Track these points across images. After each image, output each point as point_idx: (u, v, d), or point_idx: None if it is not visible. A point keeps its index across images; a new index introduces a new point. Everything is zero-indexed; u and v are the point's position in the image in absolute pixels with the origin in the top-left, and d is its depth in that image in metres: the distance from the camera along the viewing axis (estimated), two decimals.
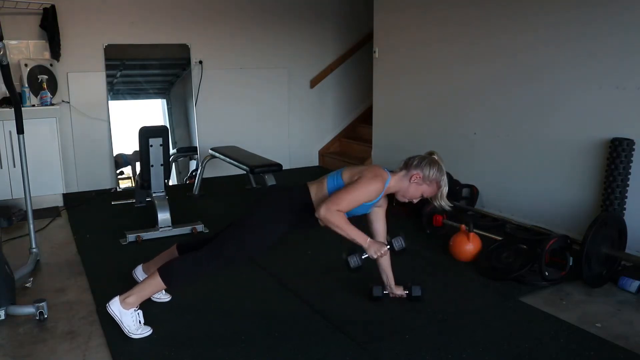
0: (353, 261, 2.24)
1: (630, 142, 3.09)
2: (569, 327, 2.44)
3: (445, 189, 2.40)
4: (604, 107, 3.27)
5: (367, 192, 2.29)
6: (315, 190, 2.39)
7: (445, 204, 2.42)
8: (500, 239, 3.31)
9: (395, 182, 2.39)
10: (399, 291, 2.63)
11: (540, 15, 3.57)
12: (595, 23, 3.26)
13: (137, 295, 2.32)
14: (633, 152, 3.11)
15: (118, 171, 5.00)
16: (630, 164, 3.13)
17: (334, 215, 2.20)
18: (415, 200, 2.44)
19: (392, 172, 2.43)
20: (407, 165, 2.41)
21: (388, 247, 2.27)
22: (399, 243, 2.27)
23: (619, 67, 3.16)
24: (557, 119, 3.55)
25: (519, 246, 3.15)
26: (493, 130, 4.03)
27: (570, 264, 2.89)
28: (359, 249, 2.28)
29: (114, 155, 5.02)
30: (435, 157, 2.42)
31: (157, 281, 2.31)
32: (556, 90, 3.53)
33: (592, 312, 2.60)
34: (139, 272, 2.75)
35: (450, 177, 4.21)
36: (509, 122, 3.88)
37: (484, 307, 2.65)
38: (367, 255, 2.27)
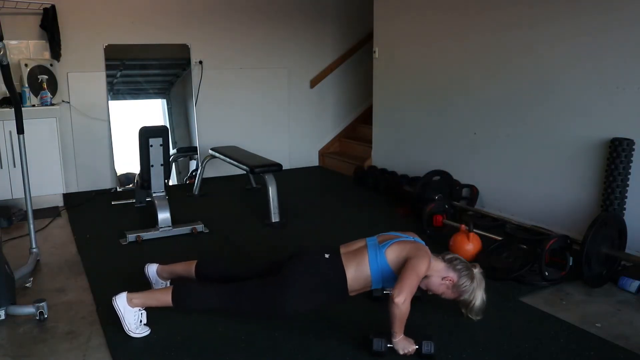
0: (377, 344, 2.15)
1: (630, 142, 3.10)
2: (569, 327, 2.44)
3: (477, 304, 2.33)
4: (604, 107, 3.27)
5: (424, 271, 2.24)
6: (353, 272, 2.29)
7: (472, 316, 2.36)
8: (500, 239, 3.31)
9: (431, 269, 2.30)
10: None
11: (541, 16, 3.57)
12: (595, 23, 3.26)
13: (143, 300, 2.33)
14: (633, 152, 3.12)
15: (121, 189, 4.99)
16: (630, 164, 3.13)
17: (407, 306, 2.13)
18: (430, 293, 2.39)
19: (434, 256, 2.37)
20: (451, 262, 2.35)
21: (417, 347, 2.17)
22: (427, 347, 2.15)
23: (619, 67, 3.16)
24: (557, 119, 3.55)
25: (519, 246, 3.16)
26: (493, 130, 4.03)
27: (570, 264, 2.89)
28: (387, 334, 2.19)
29: (118, 175, 5.02)
30: (478, 274, 2.35)
31: (167, 299, 2.32)
32: (556, 90, 3.53)
33: (592, 312, 2.60)
34: (152, 272, 2.71)
35: (450, 177, 4.22)
36: (509, 122, 3.88)
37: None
38: (392, 346, 2.18)
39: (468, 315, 2.37)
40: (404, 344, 2.16)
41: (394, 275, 2.26)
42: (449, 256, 2.38)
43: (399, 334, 2.16)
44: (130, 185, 5.01)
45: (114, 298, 2.32)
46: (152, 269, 2.72)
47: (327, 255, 2.35)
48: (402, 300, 2.10)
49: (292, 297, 2.27)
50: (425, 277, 2.31)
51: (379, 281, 2.31)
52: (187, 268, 2.63)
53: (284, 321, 2.47)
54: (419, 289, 2.34)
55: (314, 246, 2.54)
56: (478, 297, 2.33)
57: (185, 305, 2.37)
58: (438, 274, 2.33)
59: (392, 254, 2.29)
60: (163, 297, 2.34)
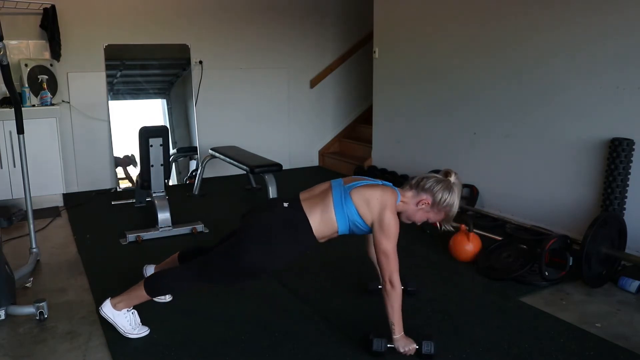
0: (377, 344, 2.13)
1: (630, 142, 3.10)
2: (569, 327, 2.44)
3: (453, 212, 2.19)
4: (604, 107, 3.27)
5: (396, 225, 2.11)
6: (318, 218, 2.14)
7: (449, 225, 2.25)
8: (500, 239, 3.31)
9: (402, 204, 2.18)
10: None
11: (541, 16, 3.57)
12: (595, 23, 3.26)
13: (126, 302, 2.31)
14: (633, 152, 3.12)
15: (121, 189, 4.99)
16: (630, 164, 3.13)
17: (398, 291, 2.09)
18: (418, 223, 2.26)
19: (401, 189, 2.24)
20: (418, 186, 2.18)
21: (417, 346, 2.15)
22: (427, 347, 2.12)
23: (619, 67, 3.16)
24: (557, 119, 3.55)
25: (519, 246, 3.16)
26: (493, 130, 4.03)
27: (570, 264, 2.89)
28: (387, 335, 2.15)
29: (119, 157, 5.03)
30: (453, 179, 2.17)
31: (143, 294, 2.28)
32: (556, 90, 3.53)
33: (592, 312, 2.60)
34: (150, 272, 2.71)
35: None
36: (509, 122, 3.88)
37: (484, 307, 2.64)
38: (392, 346, 2.16)
39: (445, 226, 2.25)
40: (404, 343, 2.15)
41: (363, 224, 2.14)
42: (414, 180, 2.21)
43: (398, 330, 2.14)
44: (131, 185, 5.01)
45: (100, 308, 2.32)
46: (149, 270, 2.73)
47: (285, 204, 2.21)
48: (393, 282, 2.07)
49: (257, 253, 2.12)
50: (402, 212, 2.20)
51: (346, 228, 2.17)
52: (172, 258, 2.62)
53: (283, 321, 2.48)
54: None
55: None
56: (457, 204, 2.17)
57: (158, 290, 2.32)
58: (411, 201, 2.18)
59: (359, 199, 2.13)
60: (139, 292, 2.29)
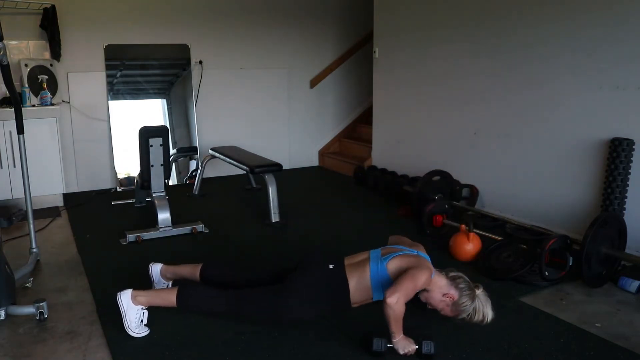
0: (377, 345, 2.15)
1: (630, 142, 3.10)
2: (569, 327, 2.44)
3: (488, 321, 2.31)
4: (604, 107, 3.27)
5: (422, 282, 2.24)
6: (355, 284, 2.33)
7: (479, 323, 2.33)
8: (500, 239, 3.31)
9: (432, 284, 2.32)
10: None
11: (541, 15, 3.57)
12: (595, 23, 3.26)
13: (148, 299, 2.35)
14: (633, 152, 3.12)
15: (121, 189, 4.99)
16: (630, 164, 3.13)
17: (401, 307, 2.14)
18: (429, 306, 2.39)
19: (437, 271, 2.37)
20: (454, 280, 2.34)
21: (416, 347, 2.17)
22: (427, 347, 2.15)
23: (619, 67, 3.16)
24: (557, 119, 3.55)
25: (519, 246, 3.15)
26: (493, 130, 4.03)
27: (570, 264, 2.89)
28: (387, 335, 2.19)
29: (119, 179, 5.04)
30: (481, 294, 2.33)
31: (172, 300, 2.35)
32: (556, 90, 3.53)
33: (592, 312, 2.60)
34: (156, 271, 2.71)
35: (450, 177, 4.22)
36: (509, 122, 3.88)
37: None
38: (392, 346, 2.18)
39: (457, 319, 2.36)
40: (404, 344, 2.17)
41: (386, 274, 2.30)
42: (452, 274, 2.37)
43: (398, 334, 2.17)
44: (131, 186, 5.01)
45: (118, 294, 2.33)
46: (156, 268, 2.72)
47: (331, 266, 2.40)
48: (394, 301, 2.10)
49: (294, 306, 2.33)
50: (426, 291, 2.33)
51: (380, 293, 2.30)
52: (192, 271, 2.63)
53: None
54: (419, 300, 2.35)
55: (315, 249, 2.54)
56: (489, 313, 2.31)
57: (189, 306, 2.39)
58: (440, 290, 2.33)
59: (393, 266, 2.31)
60: (168, 297, 2.36)
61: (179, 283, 2.56)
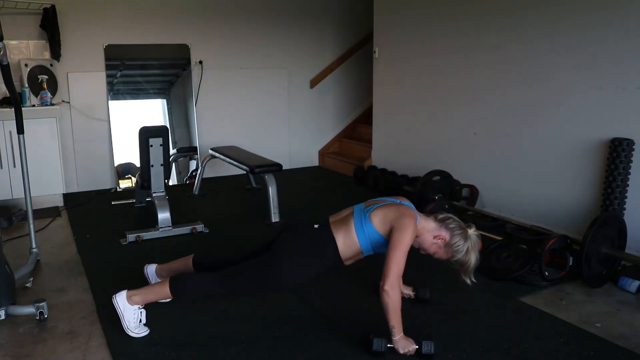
0: (377, 344, 2.14)
1: (630, 142, 3.10)
2: (569, 327, 2.44)
3: (471, 265, 2.27)
4: (604, 107, 3.27)
5: (408, 239, 2.19)
6: (342, 239, 2.29)
7: (466, 278, 2.31)
8: (500, 239, 3.31)
9: (421, 229, 2.29)
10: (407, 291, 2.55)
11: (541, 16, 3.57)
12: (595, 23, 3.26)
13: (143, 297, 2.34)
14: (633, 152, 3.12)
15: (120, 189, 5.00)
16: (630, 164, 3.13)
17: (396, 293, 2.12)
18: (427, 253, 2.36)
19: (423, 216, 2.34)
20: (443, 222, 2.30)
21: (417, 347, 2.16)
22: (427, 347, 2.15)
23: (619, 67, 3.16)
24: (557, 119, 3.55)
25: (519, 246, 3.15)
26: (493, 130, 4.03)
27: (570, 264, 2.89)
28: (387, 335, 2.16)
29: (115, 165, 5.03)
30: (473, 234, 2.28)
31: (166, 291, 2.32)
32: (556, 90, 3.53)
33: (592, 312, 2.60)
34: (151, 272, 2.73)
35: (450, 177, 4.22)
36: (509, 122, 3.89)
37: (484, 307, 2.65)
38: (392, 346, 2.17)
39: (463, 277, 2.32)
40: (404, 343, 2.16)
41: (384, 240, 2.25)
42: (442, 215, 2.33)
43: (398, 331, 2.15)
44: (130, 183, 5.01)
45: (114, 296, 2.32)
46: (151, 269, 2.74)
47: (316, 226, 2.36)
48: (390, 287, 2.10)
49: (286, 269, 2.27)
50: (417, 236, 2.28)
51: (369, 248, 2.30)
52: (185, 263, 2.64)
53: (283, 321, 2.48)
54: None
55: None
56: (472, 258, 2.27)
57: (184, 293, 2.34)
58: (430, 232, 2.29)
59: (377, 218, 2.27)
60: (162, 289, 2.34)
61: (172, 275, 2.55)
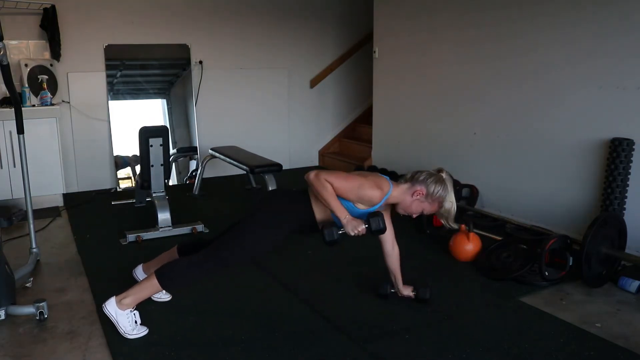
0: (328, 234, 2.22)
1: (630, 142, 3.10)
2: (569, 327, 2.44)
3: (452, 209, 2.34)
4: (604, 107, 3.27)
5: (360, 193, 2.26)
6: (315, 200, 2.33)
7: (452, 224, 2.37)
8: (500, 239, 3.31)
9: (398, 194, 2.34)
10: (407, 291, 2.61)
11: (541, 16, 3.57)
12: (595, 23, 3.26)
13: (134, 297, 2.31)
14: (633, 152, 3.12)
15: (120, 189, 4.99)
16: (630, 164, 3.13)
17: (321, 183, 2.19)
18: (414, 215, 2.40)
19: (396, 182, 2.38)
20: (413, 179, 2.35)
21: (366, 226, 2.22)
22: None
23: (619, 67, 3.16)
24: (557, 119, 3.55)
25: (519, 246, 3.16)
26: (493, 130, 4.03)
27: (570, 264, 2.89)
28: (337, 224, 2.26)
29: (115, 157, 5.03)
30: (443, 175, 2.35)
31: (154, 283, 2.29)
32: (556, 90, 3.53)
33: (592, 312, 2.60)
34: (139, 272, 2.75)
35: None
36: (509, 122, 3.88)
37: (484, 307, 2.65)
38: (344, 231, 2.24)
39: (449, 224, 2.37)
40: (353, 224, 2.22)
41: (356, 209, 2.30)
42: (409, 175, 2.38)
43: (340, 214, 2.22)
44: (130, 183, 5.01)
45: (103, 305, 2.32)
46: (139, 271, 2.75)
47: (294, 189, 2.47)
48: (310, 177, 2.21)
49: (265, 223, 2.32)
50: (397, 203, 2.35)
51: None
52: (170, 254, 2.64)
53: (283, 321, 2.48)
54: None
55: (312, 246, 2.53)
56: (452, 199, 2.32)
57: (172, 279, 2.30)
58: (406, 193, 2.34)
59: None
60: (150, 284, 2.30)
61: None
